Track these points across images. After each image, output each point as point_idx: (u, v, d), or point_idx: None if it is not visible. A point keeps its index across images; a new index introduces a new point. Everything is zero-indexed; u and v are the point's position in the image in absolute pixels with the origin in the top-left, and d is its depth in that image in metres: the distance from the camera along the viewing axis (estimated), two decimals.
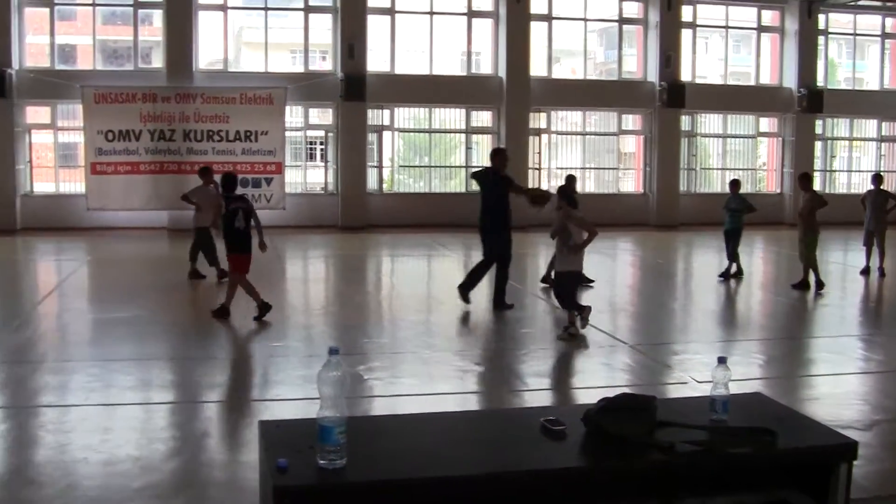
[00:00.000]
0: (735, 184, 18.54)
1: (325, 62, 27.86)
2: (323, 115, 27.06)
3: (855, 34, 31.37)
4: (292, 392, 9.44)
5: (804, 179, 17.17)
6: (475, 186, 15.10)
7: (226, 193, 13.47)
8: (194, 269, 16.74)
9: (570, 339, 11.96)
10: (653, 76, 28.13)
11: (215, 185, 16.87)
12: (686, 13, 28.55)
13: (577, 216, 12.34)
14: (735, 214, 17.84)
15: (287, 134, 25.91)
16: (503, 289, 14.23)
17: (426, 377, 10.40)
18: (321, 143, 27.30)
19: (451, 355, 11.34)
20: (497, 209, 14.08)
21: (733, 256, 17.74)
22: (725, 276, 17.69)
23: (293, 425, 3.99)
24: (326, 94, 25.93)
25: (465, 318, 13.74)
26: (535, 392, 9.74)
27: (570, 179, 16.39)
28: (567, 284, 12.52)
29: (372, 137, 26.78)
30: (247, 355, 11.56)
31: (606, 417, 3.91)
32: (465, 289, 14.20)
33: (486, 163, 26.62)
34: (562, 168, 28.43)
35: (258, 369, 10.68)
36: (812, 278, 16.39)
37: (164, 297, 15.40)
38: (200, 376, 10.35)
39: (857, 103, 30.67)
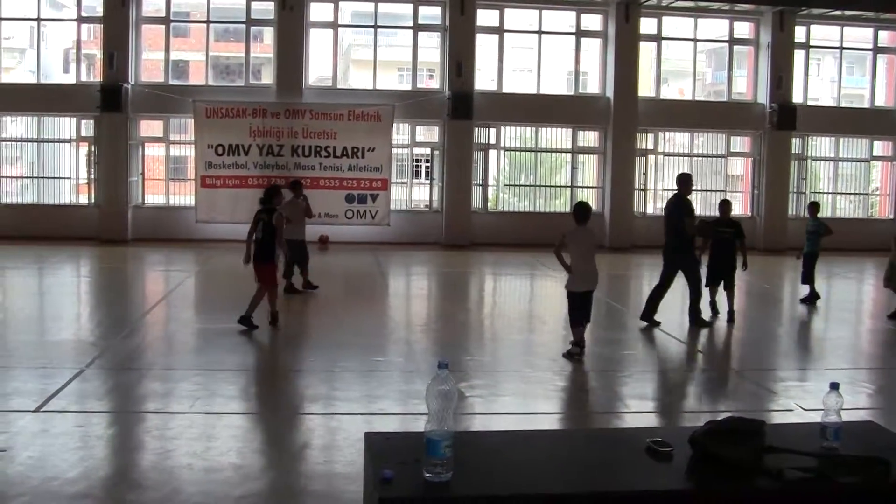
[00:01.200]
0: (813, 206, 18.43)
1: (432, 80, 28.05)
2: (429, 133, 27.22)
3: None
4: (393, 406, 9.49)
5: None
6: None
7: (260, 206, 13.78)
8: (289, 283, 16.84)
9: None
10: (763, 98, 27.71)
11: (305, 199, 17.24)
12: (799, 33, 28.06)
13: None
14: (812, 237, 17.66)
15: (393, 151, 26.08)
16: (698, 306, 14.70)
17: (527, 396, 10.35)
18: (427, 161, 27.43)
19: (552, 375, 11.28)
20: (682, 231, 14.34)
21: (809, 279, 17.45)
22: (806, 300, 17.31)
23: (399, 438, 4.01)
24: (433, 112, 26.08)
25: (566, 339, 13.66)
26: (638, 414, 9.63)
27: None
28: None
29: (477, 156, 26.82)
30: (348, 368, 11.62)
31: (714, 440, 3.85)
32: (649, 315, 14.48)
33: (594, 182, 26.75)
34: (668, 189, 28.14)
35: (359, 383, 10.72)
36: None
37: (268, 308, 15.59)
38: (303, 388, 10.46)
39: None
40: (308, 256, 17.12)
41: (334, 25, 26.56)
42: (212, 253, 23.06)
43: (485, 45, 26.83)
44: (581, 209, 12.44)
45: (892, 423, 9.55)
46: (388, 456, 3.68)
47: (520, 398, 10.25)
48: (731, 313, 15.09)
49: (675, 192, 14.81)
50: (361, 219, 24.79)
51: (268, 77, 26.82)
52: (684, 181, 14.72)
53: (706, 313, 15.00)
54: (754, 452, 3.85)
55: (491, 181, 27.50)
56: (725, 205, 16.00)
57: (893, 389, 11.70)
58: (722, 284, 15.44)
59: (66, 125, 26.12)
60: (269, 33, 26.78)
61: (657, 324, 14.31)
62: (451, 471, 3.47)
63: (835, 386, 4.07)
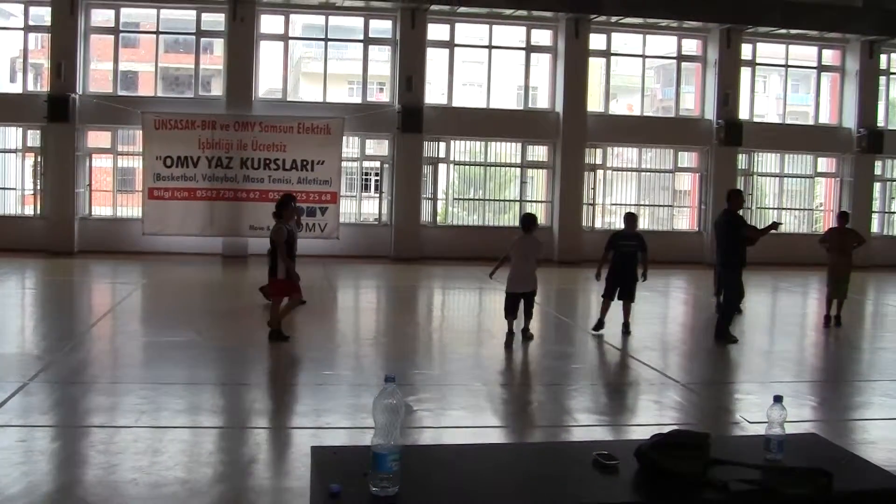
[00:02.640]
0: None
1: (382, 94, 28.06)
2: (379, 147, 27.21)
3: None
4: (341, 420, 9.46)
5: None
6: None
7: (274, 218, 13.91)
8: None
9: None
10: (710, 114, 28.00)
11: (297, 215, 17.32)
12: (746, 51, 28.43)
13: None
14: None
15: (343, 164, 26.04)
16: (729, 322, 15.08)
17: (476, 409, 10.36)
18: (376, 174, 27.43)
19: (500, 389, 11.31)
20: (731, 247, 14.73)
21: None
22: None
23: (347, 452, 4.00)
24: (383, 126, 26.08)
25: (516, 353, 13.70)
26: (586, 427, 9.67)
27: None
28: None
29: (427, 169, 26.84)
30: (297, 382, 11.58)
31: (660, 453, 3.88)
32: (725, 333, 14.91)
33: (543, 196, 26.90)
34: (616, 204, 28.37)
35: (308, 397, 10.69)
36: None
37: (217, 322, 15.52)
38: (251, 402, 10.40)
39: None
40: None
41: (285, 38, 26.51)
42: (159, 265, 22.89)
43: (435, 60, 26.89)
44: (526, 219, 14.85)
45: (835, 435, 9.69)
46: (336, 470, 3.68)
47: (469, 412, 10.25)
48: (625, 325, 15.09)
49: (725, 208, 15.12)
50: (310, 232, 24.67)
51: (217, 89, 26.70)
52: (735, 196, 15.07)
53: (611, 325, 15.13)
54: (700, 465, 3.88)
55: (440, 195, 27.52)
56: (630, 218, 15.71)
57: (837, 401, 11.85)
58: (618, 296, 15.12)
59: (12, 135, 25.78)
60: (219, 45, 26.69)
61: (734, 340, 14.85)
62: (397, 485, 3.47)
63: (778, 399, 4.13)
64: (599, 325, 14.96)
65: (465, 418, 9.96)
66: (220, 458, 8.16)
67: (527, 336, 14.22)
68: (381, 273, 23.53)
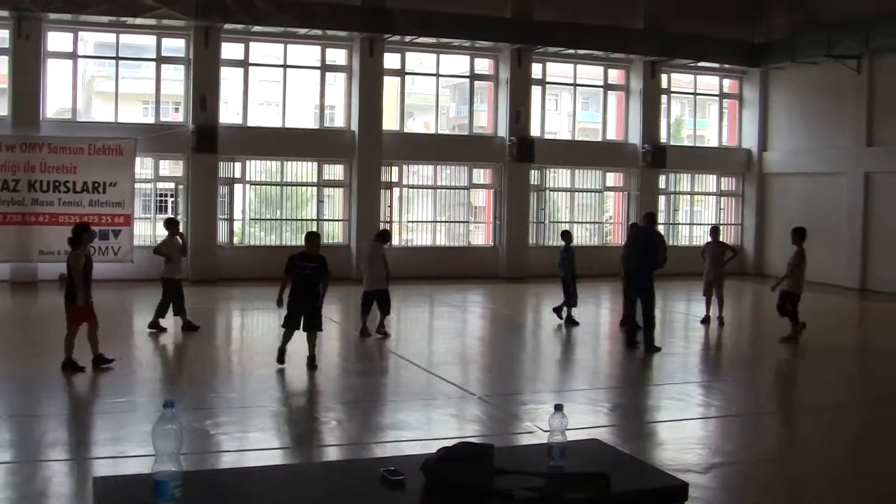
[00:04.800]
0: (566, 235, 19.73)
1: (177, 113, 27.55)
2: (174, 167, 26.71)
3: (695, 94, 32.59)
4: (135, 448, 9.26)
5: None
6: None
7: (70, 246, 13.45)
8: (156, 321, 16.74)
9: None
10: (503, 131, 28.59)
11: (182, 237, 16.93)
12: (536, 70, 29.20)
13: None
14: (566, 262, 18.96)
15: (137, 186, 25.44)
16: (652, 333, 15.93)
17: (275, 431, 10.34)
18: (171, 196, 26.91)
19: (299, 409, 11.30)
20: (653, 262, 16.01)
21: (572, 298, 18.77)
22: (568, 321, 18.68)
23: (129, 481, 3.95)
24: (178, 146, 25.58)
25: (315, 373, 13.70)
26: (385, 444, 9.78)
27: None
28: None
29: (223, 190, 26.51)
30: (90, 412, 11.31)
31: (445, 466, 3.97)
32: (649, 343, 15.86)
33: (340, 215, 26.93)
34: (413, 221, 28.66)
35: (101, 426, 10.45)
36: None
37: (4, 351, 14.97)
38: (41, 434, 10.09)
39: (698, 159, 31.88)
40: (183, 296, 16.98)
41: (73, 56, 25.72)
42: None
43: (230, 79, 26.60)
44: (379, 233, 17.94)
45: (628, 438, 10.09)
46: (118, 500, 3.63)
47: (267, 434, 10.23)
48: (311, 359, 13.66)
49: (644, 225, 16.73)
50: (104, 255, 23.94)
51: (2, 109, 25.66)
52: (652, 217, 17.19)
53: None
54: (485, 476, 3.99)
55: (237, 215, 27.18)
56: (311, 238, 14.50)
57: (628, 406, 12.32)
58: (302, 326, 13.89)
59: None
60: (3, 63, 25.68)
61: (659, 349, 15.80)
62: None
63: (559, 407, 4.26)
64: (281, 356, 13.70)
65: (262, 440, 9.92)
66: (8, 494, 7.90)
67: (380, 332, 16.40)
68: None
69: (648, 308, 15.88)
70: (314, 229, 26.54)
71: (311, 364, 13.61)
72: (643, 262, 16.03)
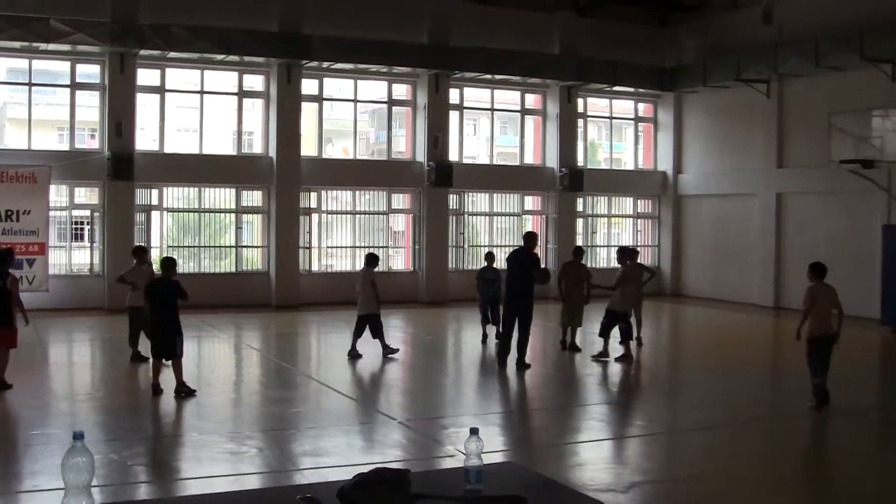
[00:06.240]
0: (490, 256, 20.41)
1: (93, 140, 27.16)
2: (90, 195, 26.36)
3: (611, 117, 33.09)
4: (49, 482, 9.11)
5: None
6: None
7: None
8: (136, 352, 16.47)
9: None
10: (421, 156, 28.74)
11: (149, 265, 16.65)
12: (454, 95, 29.42)
13: None
14: (492, 284, 19.18)
15: (52, 213, 25.07)
16: (525, 350, 16.30)
17: (194, 461, 10.28)
18: (88, 223, 26.57)
19: (219, 438, 11.23)
20: (526, 280, 16.22)
21: (497, 321, 18.88)
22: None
23: None
24: (93, 173, 25.27)
25: (235, 401, 13.65)
26: (305, 471, 9.77)
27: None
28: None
29: (140, 217, 26.24)
30: (3, 445, 11.12)
31: (361, 493, 4.01)
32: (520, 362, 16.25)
33: (259, 241, 26.81)
34: (333, 247, 28.63)
35: (15, 459, 10.29)
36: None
37: None
38: None
39: (615, 182, 32.38)
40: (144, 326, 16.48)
41: None
42: None
43: (146, 105, 26.37)
44: (366, 256, 18.17)
45: (548, 459, 10.19)
46: None
47: (186, 463, 10.16)
48: (179, 386, 13.56)
49: (521, 247, 16.87)
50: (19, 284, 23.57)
51: None
52: (532, 237, 17.10)
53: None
54: (402, 501, 4.04)
55: (155, 242, 26.86)
56: (167, 262, 14.47)
57: (549, 428, 12.44)
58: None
59: None
60: None
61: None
62: None
63: (474, 431, 4.32)
64: (155, 389, 13.63)
65: (183, 470, 9.86)
66: None
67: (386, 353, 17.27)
68: (94, 325, 22.72)
69: (524, 329, 16.22)
70: (235, 255, 26.63)
71: (182, 390, 13.54)
72: (521, 284, 16.25)
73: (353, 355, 17.22)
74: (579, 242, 30.06)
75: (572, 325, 18.61)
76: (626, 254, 18.70)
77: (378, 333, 17.41)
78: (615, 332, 17.54)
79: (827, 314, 13.22)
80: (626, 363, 17.24)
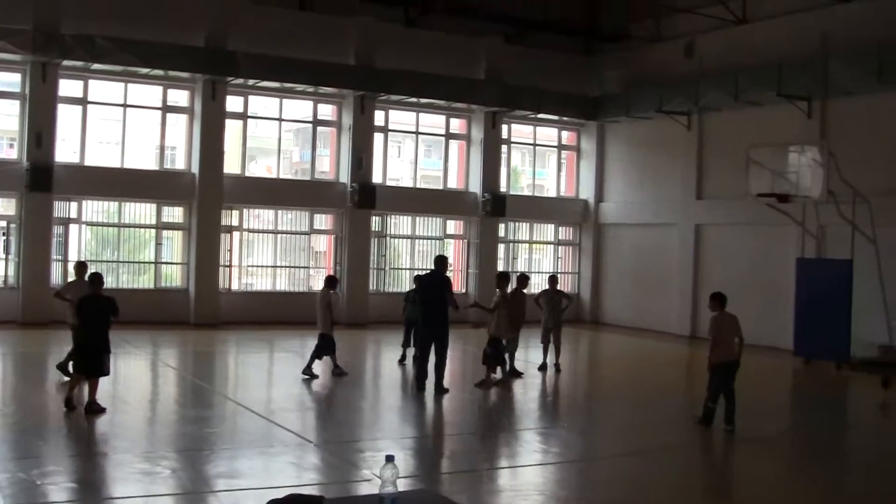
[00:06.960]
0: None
1: (12, 150, 26.68)
2: (6, 206, 25.87)
3: (535, 144, 33.39)
4: None
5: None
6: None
7: None
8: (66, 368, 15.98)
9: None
10: (345, 177, 28.71)
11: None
12: (378, 117, 29.45)
13: None
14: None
15: None
16: (443, 374, 16.43)
17: (106, 481, 10.13)
18: (3, 235, 26.08)
19: (133, 457, 11.08)
20: (440, 304, 16.39)
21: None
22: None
23: None
24: (11, 184, 24.80)
25: (150, 420, 13.49)
26: (219, 493, 9.68)
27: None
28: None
29: (58, 230, 25.84)
30: None
31: None
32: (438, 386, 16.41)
33: (179, 258, 26.57)
34: (254, 266, 28.46)
35: None
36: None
37: None
38: None
39: (537, 209, 32.67)
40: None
41: None
42: None
43: (68, 116, 25.99)
44: (325, 278, 18.98)
45: (463, 487, 10.22)
46: None
47: (98, 484, 10.01)
48: (91, 403, 13.46)
49: (435, 269, 16.96)
50: None
51: None
52: (443, 261, 17.38)
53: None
54: None
55: (72, 256, 26.44)
56: (94, 278, 14.21)
57: (466, 454, 12.47)
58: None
59: None
60: None
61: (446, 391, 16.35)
62: None
63: (390, 458, 4.35)
64: (70, 407, 13.55)
65: (93, 491, 9.72)
66: None
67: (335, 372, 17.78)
68: (7, 339, 22.24)
69: (441, 354, 16.38)
70: (155, 271, 26.38)
71: (92, 409, 13.35)
72: (437, 308, 16.42)
73: (309, 374, 17.56)
74: (500, 268, 30.24)
75: (509, 350, 18.55)
76: (505, 279, 18.63)
77: (325, 353, 17.86)
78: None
79: (730, 342, 13.82)
80: (484, 388, 17.23)
